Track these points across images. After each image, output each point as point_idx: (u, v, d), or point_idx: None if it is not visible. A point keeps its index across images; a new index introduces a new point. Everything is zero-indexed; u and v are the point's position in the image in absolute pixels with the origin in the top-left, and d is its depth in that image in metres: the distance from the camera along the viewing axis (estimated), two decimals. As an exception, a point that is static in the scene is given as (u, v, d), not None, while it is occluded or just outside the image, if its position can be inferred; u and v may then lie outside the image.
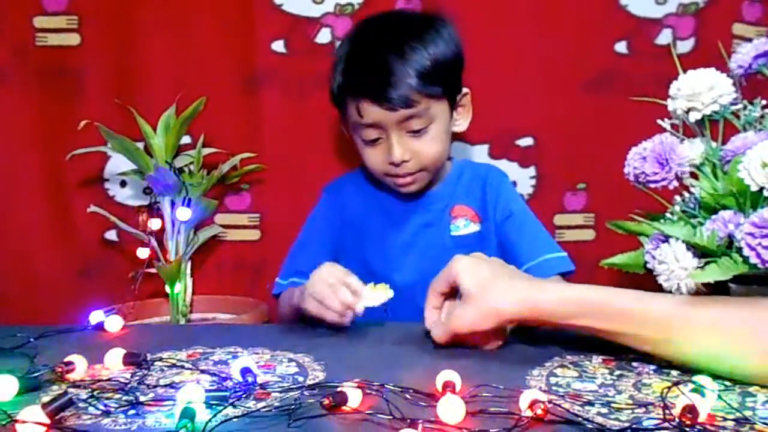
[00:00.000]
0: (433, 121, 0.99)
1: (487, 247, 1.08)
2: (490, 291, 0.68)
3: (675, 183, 0.73)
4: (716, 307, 0.61)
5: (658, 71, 1.06)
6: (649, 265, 0.76)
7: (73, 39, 1.25)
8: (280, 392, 0.60)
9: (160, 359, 0.70)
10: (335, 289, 0.81)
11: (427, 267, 1.06)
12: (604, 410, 0.54)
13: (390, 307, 0.99)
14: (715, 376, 0.58)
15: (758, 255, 0.62)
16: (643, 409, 0.54)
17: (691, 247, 0.71)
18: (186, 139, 1.23)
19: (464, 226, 1.07)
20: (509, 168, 1.27)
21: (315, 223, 1.12)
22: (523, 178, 1.29)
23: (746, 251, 0.64)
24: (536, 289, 0.68)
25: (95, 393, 0.60)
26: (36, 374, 0.64)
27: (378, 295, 0.81)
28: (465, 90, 1.06)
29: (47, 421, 0.51)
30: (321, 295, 0.81)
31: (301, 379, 0.64)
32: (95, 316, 0.86)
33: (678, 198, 0.79)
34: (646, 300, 0.63)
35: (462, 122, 1.07)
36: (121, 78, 1.25)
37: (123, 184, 1.30)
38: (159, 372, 0.67)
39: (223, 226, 1.28)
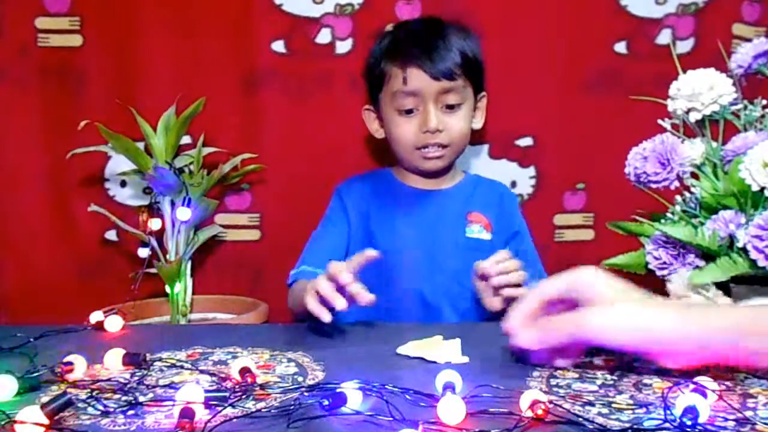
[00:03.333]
0: (465, 101, 1.08)
1: None
2: (637, 305, 0.58)
3: (676, 183, 0.73)
4: None
5: (658, 71, 1.06)
6: (650, 266, 0.76)
7: (75, 40, 1.25)
8: (280, 392, 0.60)
9: (160, 359, 0.70)
10: (335, 277, 0.77)
11: (437, 261, 1.08)
12: (605, 410, 0.54)
13: (398, 301, 1.05)
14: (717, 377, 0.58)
15: (767, 257, 0.62)
16: (644, 410, 0.54)
17: (693, 248, 0.71)
18: (186, 139, 1.23)
19: (478, 231, 1.11)
20: (509, 168, 1.28)
21: (326, 220, 1.17)
22: (522, 178, 1.28)
23: (754, 254, 0.64)
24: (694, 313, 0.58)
25: (94, 393, 0.59)
26: (35, 374, 0.63)
27: (447, 355, 0.69)
28: (484, 93, 1.13)
29: (46, 421, 0.51)
30: (324, 290, 0.77)
31: (300, 379, 0.64)
32: (95, 316, 0.86)
33: (678, 198, 0.79)
34: None
35: (477, 122, 1.14)
36: (121, 78, 1.25)
37: (123, 184, 1.30)
38: (158, 372, 0.66)
39: (223, 226, 1.28)
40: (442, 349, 0.69)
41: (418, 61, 1.04)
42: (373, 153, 1.27)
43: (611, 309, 0.58)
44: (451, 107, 1.06)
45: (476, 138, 1.27)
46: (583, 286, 0.60)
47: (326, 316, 0.77)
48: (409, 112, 1.06)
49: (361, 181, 1.18)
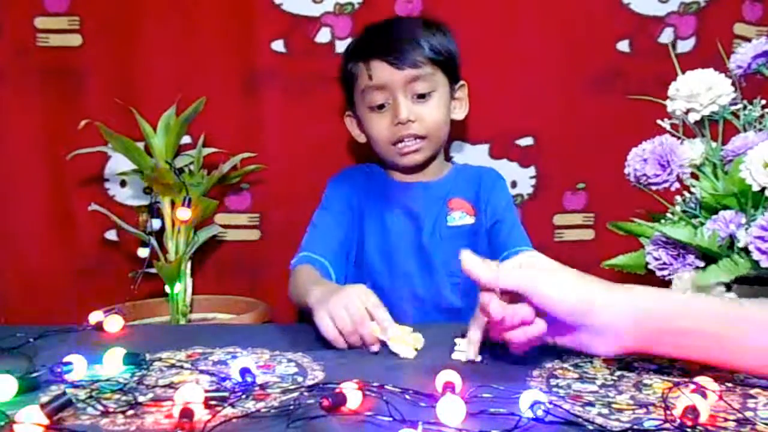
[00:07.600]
0: (436, 89, 1.07)
1: (480, 241, 1.11)
2: (594, 311, 0.57)
3: (676, 184, 0.73)
4: None
5: (660, 71, 1.06)
6: (650, 266, 0.76)
7: (75, 40, 1.25)
8: (280, 392, 0.60)
9: (160, 359, 0.70)
10: (361, 324, 0.73)
11: (424, 255, 1.09)
12: (605, 411, 0.54)
13: (390, 295, 1.05)
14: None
15: (770, 258, 0.62)
16: (644, 410, 0.54)
17: (693, 248, 0.70)
18: (186, 139, 1.23)
19: (460, 218, 1.11)
20: (509, 168, 1.27)
21: (324, 207, 1.15)
22: (523, 178, 1.28)
23: (756, 255, 0.64)
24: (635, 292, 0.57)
25: (94, 393, 0.59)
26: (35, 374, 0.63)
27: (406, 349, 0.71)
28: (462, 82, 1.12)
29: (46, 421, 0.51)
30: (342, 324, 0.73)
31: (300, 379, 0.64)
32: (95, 316, 0.86)
33: (679, 198, 0.79)
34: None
35: (459, 111, 1.14)
36: (121, 78, 1.25)
37: (123, 183, 1.29)
38: (158, 372, 0.66)
39: (223, 226, 1.28)
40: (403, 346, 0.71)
41: (380, 54, 1.04)
42: (373, 152, 1.27)
43: (558, 275, 0.58)
44: (422, 96, 1.05)
45: (477, 138, 1.27)
46: (534, 294, 0.58)
47: (342, 345, 0.75)
48: (381, 107, 1.06)
49: (352, 174, 1.19)
